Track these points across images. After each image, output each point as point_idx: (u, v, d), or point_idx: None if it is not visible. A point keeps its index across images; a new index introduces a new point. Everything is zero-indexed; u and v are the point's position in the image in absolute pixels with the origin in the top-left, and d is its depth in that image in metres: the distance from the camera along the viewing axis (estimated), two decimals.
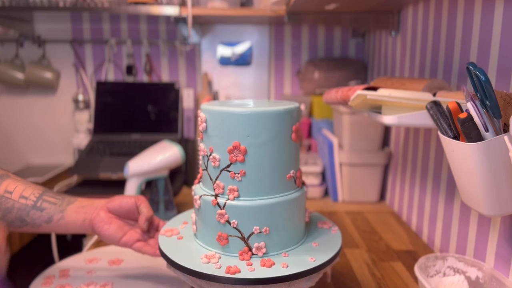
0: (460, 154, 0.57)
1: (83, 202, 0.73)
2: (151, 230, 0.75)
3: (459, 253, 0.83)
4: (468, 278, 0.70)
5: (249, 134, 0.58)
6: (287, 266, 0.57)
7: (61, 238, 1.42)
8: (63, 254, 1.05)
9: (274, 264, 0.58)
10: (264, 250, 0.60)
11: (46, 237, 1.22)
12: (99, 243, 0.97)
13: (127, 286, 0.75)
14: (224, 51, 1.61)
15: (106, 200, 0.73)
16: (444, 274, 0.72)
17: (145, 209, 0.72)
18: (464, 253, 0.81)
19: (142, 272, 0.81)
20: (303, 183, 0.67)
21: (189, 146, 1.41)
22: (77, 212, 0.71)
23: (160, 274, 0.79)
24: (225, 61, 1.62)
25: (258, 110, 0.58)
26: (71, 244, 1.49)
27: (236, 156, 0.58)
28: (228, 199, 0.59)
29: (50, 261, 1.17)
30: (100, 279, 0.77)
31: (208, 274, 0.55)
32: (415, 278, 0.79)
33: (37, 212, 0.69)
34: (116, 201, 0.72)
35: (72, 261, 0.85)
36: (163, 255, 0.61)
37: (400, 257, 0.89)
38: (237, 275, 0.54)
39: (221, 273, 0.55)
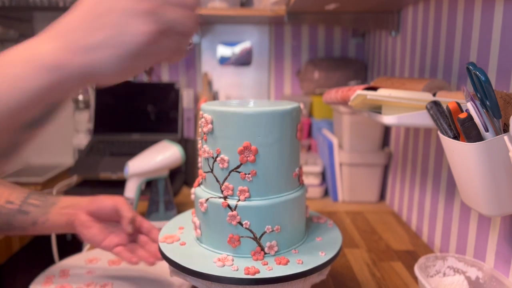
0: (460, 154, 0.57)
1: (65, 202, 0.72)
2: (134, 233, 0.73)
3: (459, 253, 0.83)
4: (468, 278, 0.70)
5: (260, 134, 0.58)
6: (302, 262, 0.58)
7: (61, 238, 1.42)
8: (63, 254, 1.05)
9: (289, 261, 0.58)
10: (276, 249, 0.60)
11: (46, 237, 1.22)
12: None
13: (127, 286, 0.75)
14: (224, 51, 1.61)
15: (87, 201, 0.72)
16: (444, 274, 0.72)
17: (125, 212, 0.71)
18: (464, 253, 0.81)
19: (142, 272, 0.81)
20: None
21: (189, 146, 1.41)
22: (60, 213, 0.70)
23: (160, 274, 0.79)
24: (225, 61, 1.62)
25: (268, 110, 0.58)
26: (71, 244, 1.49)
27: (247, 157, 0.58)
28: (239, 200, 0.59)
29: (50, 261, 1.17)
30: (100, 279, 0.77)
31: (227, 277, 0.54)
32: (415, 278, 0.79)
33: (22, 216, 0.69)
34: (95, 204, 0.72)
35: (72, 261, 0.85)
36: (171, 262, 0.60)
37: (400, 257, 0.89)
38: (257, 276, 0.55)
39: (241, 274, 0.55)
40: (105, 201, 0.72)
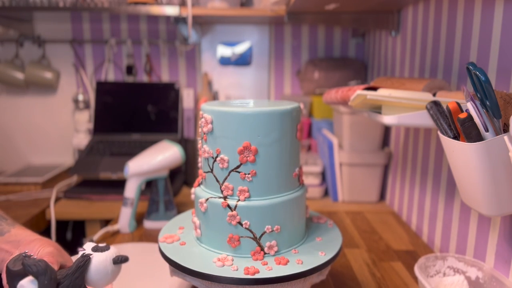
0: (460, 154, 0.57)
1: (12, 237, 0.62)
2: None
3: (459, 253, 0.83)
4: (468, 278, 0.70)
5: (259, 133, 0.58)
6: (302, 262, 0.58)
7: (61, 238, 1.42)
8: None
9: (288, 261, 0.58)
10: (276, 249, 0.60)
11: (46, 237, 1.22)
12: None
13: (127, 286, 0.75)
14: (224, 51, 1.61)
15: (28, 244, 0.60)
16: (444, 274, 0.72)
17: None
18: (464, 253, 0.81)
19: (142, 272, 0.81)
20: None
21: (189, 146, 1.41)
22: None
23: (160, 273, 0.79)
24: (225, 61, 1.62)
25: (268, 110, 0.58)
26: (71, 244, 1.49)
27: (247, 157, 0.58)
28: (239, 200, 0.59)
29: None
30: None
31: (227, 277, 0.54)
32: (415, 278, 0.79)
33: None
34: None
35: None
36: (171, 262, 0.60)
37: (400, 257, 0.89)
38: (257, 276, 0.55)
39: (240, 274, 0.55)
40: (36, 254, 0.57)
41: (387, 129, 1.27)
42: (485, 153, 0.53)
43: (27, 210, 1.20)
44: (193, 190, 0.66)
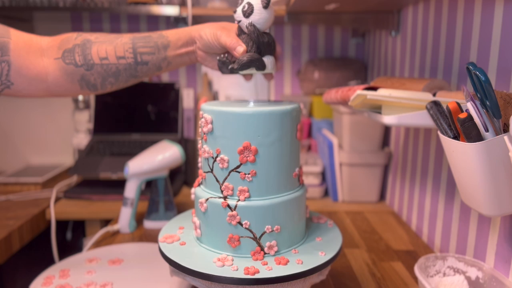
0: (460, 154, 0.57)
1: (175, 41, 0.71)
2: None
3: (459, 253, 0.83)
4: (468, 278, 0.70)
5: (259, 133, 0.58)
6: (302, 262, 0.58)
7: (61, 238, 1.42)
8: (63, 254, 1.06)
9: (288, 261, 0.58)
10: (276, 249, 0.60)
11: (46, 237, 1.22)
12: (99, 243, 0.97)
13: (127, 286, 0.75)
14: None
15: (195, 36, 0.71)
16: (444, 274, 0.72)
17: (227, 43, 0.68)
18: (464, 253, 0.81)
19: (142, 272, 0.81)
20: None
21: (189, 146, 1.41)
22: (179, 55, 0.72)
23: (160, 273, 0.79)
24: None
25: (268, 110, 0.58)
26: (71, 244, 1.49)
27: (247, 157, 0.58)
28: (239, 200, 0.59)
29: (50, 261, 1.17)
30: (100, 279, 0.77)
31: (227, 277, 0.54)
32: (415, 278, 0.79)
33: (143, 67, 0.71)
34: (201, 43, 0.70)
35: (72, 261, 0.85)
36: (171, 262, 0.60)
37: (400, 257, 0.89)
38: (257, 276, 0.55)
39: (240, 274, 0.55)
40: (206, 38, 0.69)
41: (387, 129, 1.27)
42: (485, 153, 0.53)
43: (27, 210, 1.20)
44: (193, 190, 0.66)
